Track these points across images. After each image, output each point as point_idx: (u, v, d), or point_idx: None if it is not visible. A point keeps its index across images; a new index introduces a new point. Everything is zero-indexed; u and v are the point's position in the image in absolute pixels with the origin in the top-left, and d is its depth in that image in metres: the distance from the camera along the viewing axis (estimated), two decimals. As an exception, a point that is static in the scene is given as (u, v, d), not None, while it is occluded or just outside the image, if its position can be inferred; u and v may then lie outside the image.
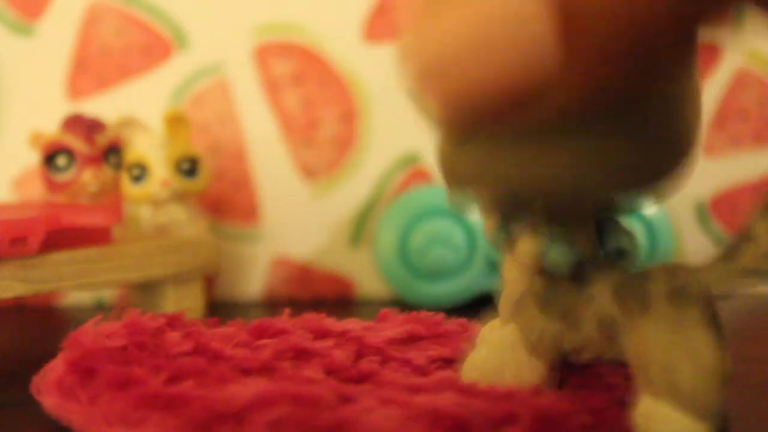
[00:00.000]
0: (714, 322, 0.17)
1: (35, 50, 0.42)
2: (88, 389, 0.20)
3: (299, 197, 0.42)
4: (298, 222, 0.42)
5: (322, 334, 0.25)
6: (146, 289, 0.34)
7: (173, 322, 0.25)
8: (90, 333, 0.22)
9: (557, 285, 0.19)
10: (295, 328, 0.25)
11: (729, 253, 0.17)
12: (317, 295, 0.41)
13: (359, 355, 0.23)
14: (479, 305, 0.25)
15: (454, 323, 0.26)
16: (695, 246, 0.42)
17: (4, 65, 0.42)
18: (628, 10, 0.13)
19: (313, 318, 0.26)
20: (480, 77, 0.13)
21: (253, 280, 0.42)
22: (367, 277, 0.41)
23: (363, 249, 0.42)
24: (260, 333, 0.25)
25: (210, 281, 0.41)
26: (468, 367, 0.21)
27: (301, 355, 0.23)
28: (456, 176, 0.18)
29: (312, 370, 0.22)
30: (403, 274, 0.37)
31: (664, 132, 0.17)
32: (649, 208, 0.37)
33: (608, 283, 0.19)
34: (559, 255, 0.19)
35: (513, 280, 0.20)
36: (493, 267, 0.37)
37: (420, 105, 0.14)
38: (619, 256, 0.20)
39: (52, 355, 0.23)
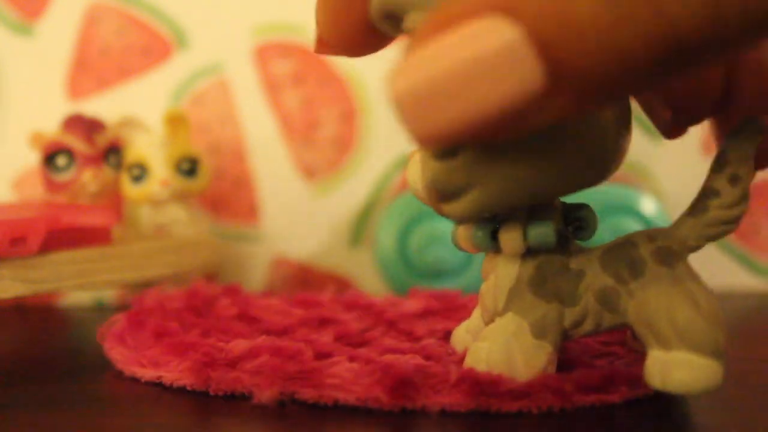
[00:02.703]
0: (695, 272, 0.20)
1: (35, 50, 0.42)
2: (135, 338, 0.24)
3: (299, 197, 0.42)
4: (298, 222, 0.42)
5: (350, 307, 0.29)
6: (146, 289, 0.34)
7: (228, 291, 0.29)
8: (154, 295, 0.28)
9: (544, 268, 0.20)
10: (331, 302, 0.29)
11: (697, 209, 0.20)
12: (317, 295, 0.41)
13: (371, 327, 0.27)
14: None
15: (467, 298, 0.30)
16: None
17: (4, 65, 0.42)
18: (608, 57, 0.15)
19: (350, 293, 0.30)
20: (468, 107, 0.15)
21: (253, 280, 0.42)
22: (367, 277, 0.41)
23: (362, 249, 0.42)
24: (298, 304, 0.29)
25: (209, 281, 0.41)
26: (473, 361, 0.21)
27: (322, 323, 0.27)
28: (446, 185, 0.19)
29: (322, 335, 0.25)
30: (403, 274, 0.37)
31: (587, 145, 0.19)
32: (649, 208, 0.37)
33: (592, 256, 0.20)
34: (542, 232, 0.20)
35: (501, 273, 0.21)
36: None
37: (405, 130, 0.16)
38: (581, 228, 0.21)
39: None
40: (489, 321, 0.21)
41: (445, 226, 0.37)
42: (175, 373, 0.22)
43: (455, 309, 0.29)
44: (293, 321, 0.27)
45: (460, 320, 0.26)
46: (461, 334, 0.24)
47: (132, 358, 0.24)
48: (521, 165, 0.18)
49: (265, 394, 0.21)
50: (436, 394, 0.20)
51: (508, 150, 0.18)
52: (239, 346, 0.22)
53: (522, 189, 0.19)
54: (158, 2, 0.42)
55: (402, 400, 0.20)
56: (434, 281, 0.37)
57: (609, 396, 0.21)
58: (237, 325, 0.26)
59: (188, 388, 0.22)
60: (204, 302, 0.28)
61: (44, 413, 0.21)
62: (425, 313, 0.29)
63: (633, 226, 0.36)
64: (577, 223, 0.21)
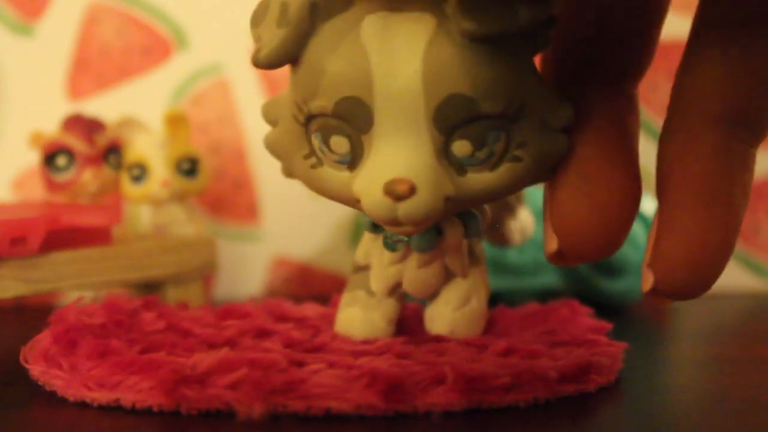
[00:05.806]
0: None
1: (35, 50, 0.42)
2: (70, 358, 0.22)
3: (299, 197, 0.42)
4: (298, 222, 0.42)
5: (282, 318, 0.27)
6: (146, 289, 0.34)
7: (148, 304, 0.27)
8: (73, 311, 0.25)
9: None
10: (258, 312, 0.28)
11: None
12: (317, 294, 0.41)
13: (315, 335, 0.26)
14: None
15: None
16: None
17: (4, 65, 0.42)
18: None
19: (274, 303, 0.29)
20: None
21: (254, 280, 0.42)
22: (367, 277, 0.41)
23: (363, 249, 0.41)
24: (226, 315, 0.27)
25: (207, 281, 0.41)
26: (463, 322, 0.24)
27: (263, 333, 0.25)
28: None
29: (271, 344, 0.24)
30: (403, 274, 0.37)
31: None
32: (650, 208, 0.37)
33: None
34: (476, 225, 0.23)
35: (383, 263, 0.24)
36: (492, 266, 0.37)
37: None
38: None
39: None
40: (432, 295, 0.24)
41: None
42: (134, 393, 0.20)
43: None
44: (230, 332, 0.25)
45: None
46: (376, 321, 0.24)
47: (72, 382, 0.22)
48: None
49: (251, 410, 0.19)
50: (426, 394, 0.20)
51: None
52: (205, 360, 0.20)
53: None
54: (158, 2, 0.42)
55: (396, 404, 0.20)
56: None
57: (585, 385, 0.22)
58: (176, 339, 0.24)
59: (155, 409, 0.20)
60: (126, 316, 0.25)
61: (45, 413, 0.21)
62: None
63: (634, 226, 0.36)
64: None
